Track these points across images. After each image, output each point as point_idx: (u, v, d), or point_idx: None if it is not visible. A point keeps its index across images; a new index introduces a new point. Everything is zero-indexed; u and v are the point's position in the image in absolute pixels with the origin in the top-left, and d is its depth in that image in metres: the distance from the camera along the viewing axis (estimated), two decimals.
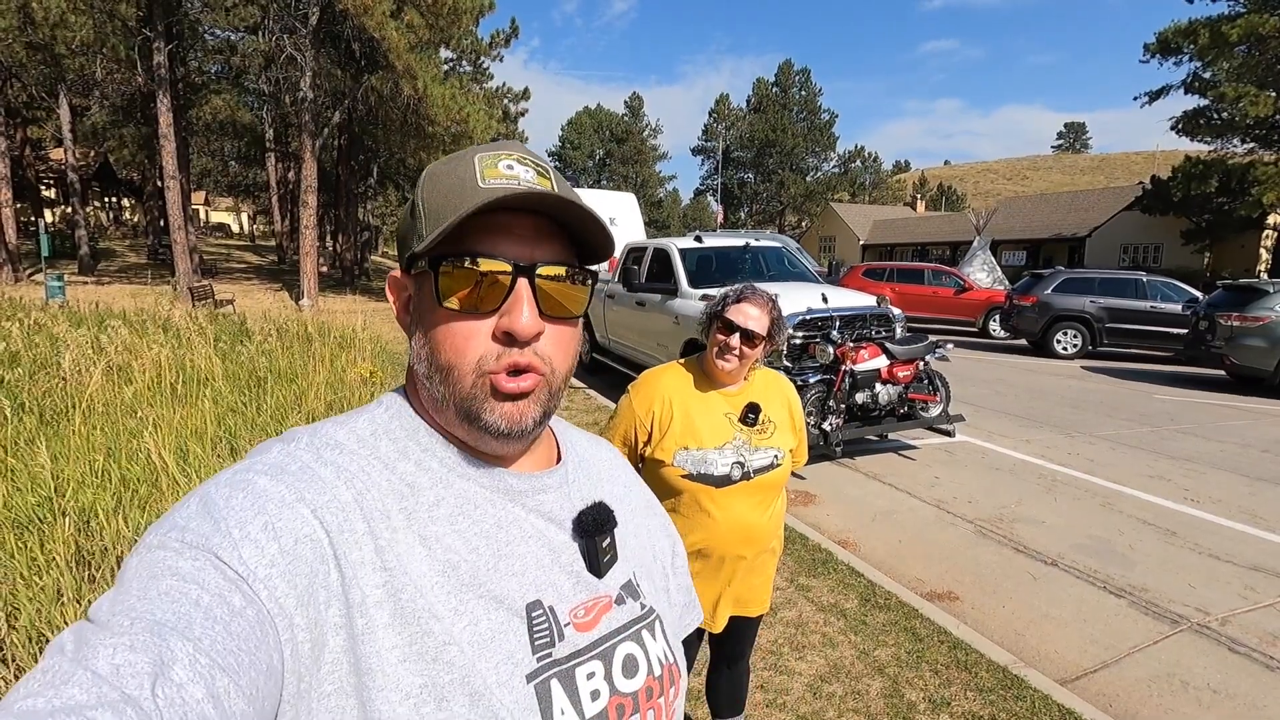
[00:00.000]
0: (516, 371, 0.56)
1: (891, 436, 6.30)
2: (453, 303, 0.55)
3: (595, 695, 0.57)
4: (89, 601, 2.22)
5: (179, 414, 4.11)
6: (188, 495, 0.49)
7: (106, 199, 37.07)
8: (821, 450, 5.37)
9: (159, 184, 20.57)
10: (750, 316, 1.65)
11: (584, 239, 0.60)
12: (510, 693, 0.51)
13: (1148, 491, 5.14)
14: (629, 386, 1.81)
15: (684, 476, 1.65)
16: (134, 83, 17.46)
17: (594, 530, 0.63)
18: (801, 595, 3.36)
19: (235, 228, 53.08)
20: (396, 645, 0.48)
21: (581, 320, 0.62)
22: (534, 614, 0.56)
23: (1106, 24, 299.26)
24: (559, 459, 0.68)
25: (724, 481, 1.67)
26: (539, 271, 0.56)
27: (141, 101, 19.38)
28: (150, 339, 6.16)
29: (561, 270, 0.57)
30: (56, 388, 4.50)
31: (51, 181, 30.98)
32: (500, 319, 0.55)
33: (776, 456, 1.73)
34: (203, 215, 48.27)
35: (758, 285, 1.74)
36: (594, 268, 0.63)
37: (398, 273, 0.62)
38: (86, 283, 18.04)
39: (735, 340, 1.66)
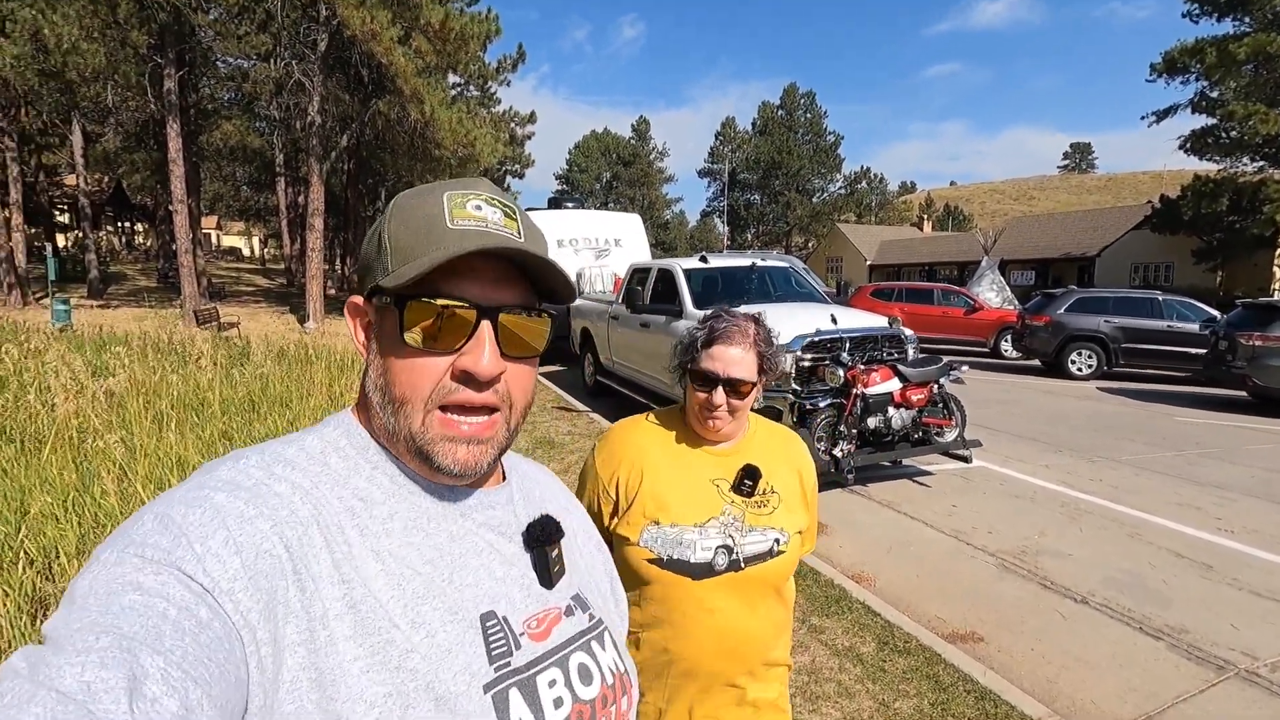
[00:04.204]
0: (471, 410, 0.57)
1: (905, 462, 6.08)
2: (414, 340, 0.56)
3: (559, 703, 0.58)
4: None
5: (163, 443, 3.95)
6: (139, 512, 0.48)
7: (120, 223, 37.51)
8: (833, 477, 5.16)
9: (170, 208, 20.75)
10: (732, 360, 1.26)
11: (544, 284, 0.62)
12: (469, 702, 0.52)
13: (1178, 521, 4.89)
14: (596, 442, 1.42)
15: (651, 561, 1.22)
16: (146, 109, 17.65)
17: (544, 540, 0.65)
18: (814, 638, 3.14)
19: (246, 251, 53.63)
20: (359, 656, 0.49)
21: (538, 357, 0.63)
22: (489, 624, 0.57)
23: (1111, 45, 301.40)
24: (504, 477, 0.69)
25: (704, 571, 1.23)
26: (501, 314, 0.58)
27: (153, 127, 19.60)
28: (147, 364, 6.05)
29: (522, 314, 0.59)
30: (40, 415, 4.36)
31: (65, 207, 31.40)
32: (460, 358, 0.56)
33: (779, 541, 1.28)
34: (214, 239, 48.84)
35: (733, 310, 1.36)
36: (554, 307, 0.65)
37: (358, 299, 0.62)
38: (94, 306, 18.11)
39: (719, 396, 1.25)
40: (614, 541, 1.30)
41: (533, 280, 0.61)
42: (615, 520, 1.30)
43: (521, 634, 0.59)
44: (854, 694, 2.71)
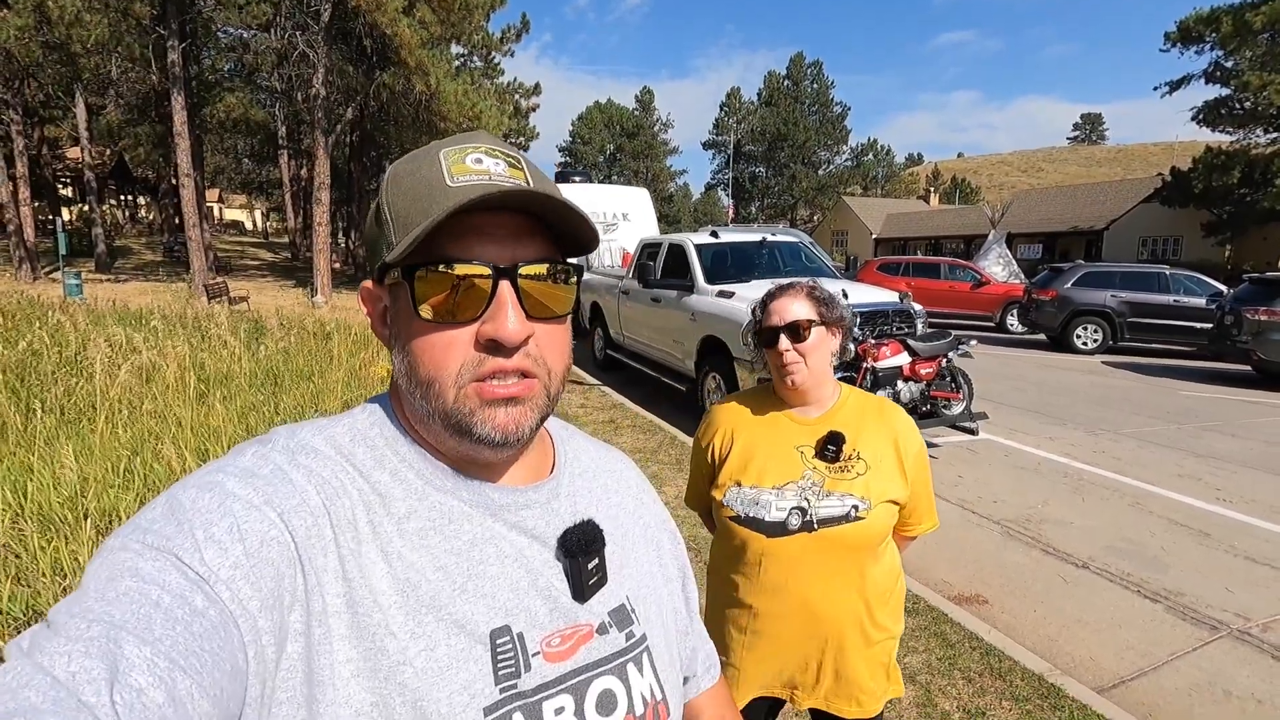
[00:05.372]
0: (504, 376, 0.53)
1: None
2: (430, 313, 0.52)
3: None
4: None
5: (200, 414, 4.10)
6: (157, 497, 0.48)
7: (123, 197, 37.43)
8: None
9: (173, 182, 20.73)
10: (786, 309, 1.35)
11: (565, 232, 0.57)
12: None
13: (1178, 491, 5.03)
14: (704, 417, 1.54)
15: (732, 518, 1.33)
16: (148, 81, 17.56)
17: (579, 550, 0.59)
18: None
19: (249, 225, 53.49)
20: (351, 659, 0.47)
21: (570, 317, 0.59)
22: (499, 641, 0.53)
23: (1126, 13, 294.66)
24: (553, 469, 0.64)
25: (777, 530, 1.29)
26: (521, 272, 0.53)
27: (156, 100, 19.52)
28: (174, 337, 6.18)
29: (544, 269, 0.55)
30: (78, 386, 4.51)
31: (69, 180, 31.33)
32: (483, 326, 0.52)
33: (857, 507, 1.29)
34: (216, 213, 48.65)
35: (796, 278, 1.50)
36: (583, 261, 0.61)
37: (369, 284, 0.59)
38: (103, 280, 18.21)
39: (784, 343, 1.32)
40: (712, 505, 1.42)
41: (553, 231, 0.57)
42: (712, 487, 1.40)
43: (536, 653, 0.54)
44: None
